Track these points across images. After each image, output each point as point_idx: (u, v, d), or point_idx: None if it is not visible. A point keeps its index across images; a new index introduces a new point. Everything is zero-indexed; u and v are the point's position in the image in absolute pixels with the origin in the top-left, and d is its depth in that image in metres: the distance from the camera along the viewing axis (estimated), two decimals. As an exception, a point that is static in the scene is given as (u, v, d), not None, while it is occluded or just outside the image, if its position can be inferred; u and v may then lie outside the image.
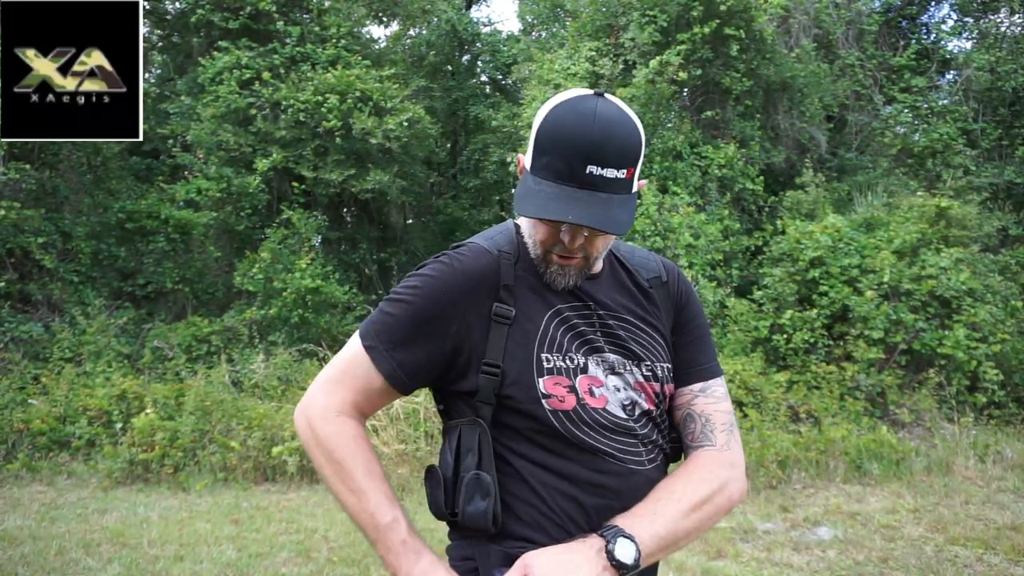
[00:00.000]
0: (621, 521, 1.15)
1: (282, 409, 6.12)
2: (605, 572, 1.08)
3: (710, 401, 1.30)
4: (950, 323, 6.86)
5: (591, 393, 1.20)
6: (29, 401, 6.42)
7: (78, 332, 7.68)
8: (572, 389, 1.18)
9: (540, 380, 1.17)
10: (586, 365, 1.21)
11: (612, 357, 1.24)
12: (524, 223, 1.26)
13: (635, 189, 1.18)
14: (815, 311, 7.19)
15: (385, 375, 1.21)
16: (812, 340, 7.06)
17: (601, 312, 1.26)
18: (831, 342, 7.12)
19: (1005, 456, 5.76)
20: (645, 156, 8.88)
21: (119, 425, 6.00)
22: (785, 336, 7.21)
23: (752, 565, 4.01)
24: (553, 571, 1.06)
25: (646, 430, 1.24)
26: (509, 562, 1.14)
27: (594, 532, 1.14)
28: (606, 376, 1.22)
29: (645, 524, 1.14)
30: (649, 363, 1.26)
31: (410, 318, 1.20)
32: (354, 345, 1.24)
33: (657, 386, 1.26)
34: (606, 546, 1.09)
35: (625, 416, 1.22)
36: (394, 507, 1.18)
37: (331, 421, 1.21)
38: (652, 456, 1.24)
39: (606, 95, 1.16)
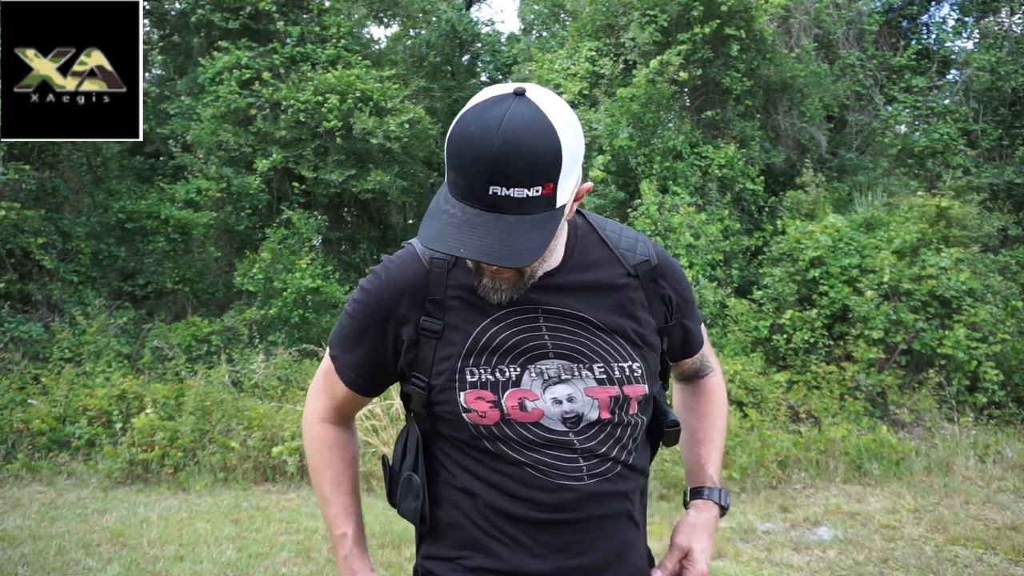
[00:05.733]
0: (708, 473, 1.38)
1: (282, 409, 6.12)
2: (717, 519, 1.36)
3: (705, 351, 1.45)
4: (950, 323, 6.86)
5: (521, 407, 1.15)
6: (29, 401, 6.41)
7: (78, 332, 7.68)
8: (496, 404, 1.14)
9: (462, 394, 1.15)
10: (519, 378, 1.15)
11: (556, 364, 1.17)
12: None
13: (561, 202, 1.04)
14: (815, 311, 7.19)
15: (347, 383, 1.28)
16: (812, 340, 7.06)
17: (548, 314, 1.18)
18: (831, 342, 7.12)
19: (1005, 456, 5.76)
20: (638, 146, 8.93)
21: (119, 425, 6.00)
22: (785, 336, 7.21)
23: (752, 565, 4.01)
24: (698, 535, 1.31)
25: (591, 443, 1.17)
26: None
27: (701, 496, 1.36)
28: (544, 389, 1.16)
29: (714, 468, 1.38)
30: (603, 364, 1.18)
31: (355, 331, 1.25)
32: (327, 355, 1.31)
33: (614, 389, 1.18)
34: (719, 504, 1.35)
35: (564, 429, 1.16)
36: (348, 522, 1.29)
37: (312, 427, 1.33)
38: (598, 471, 1.17)
39: (528, 93, 1.02)
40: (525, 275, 1.14)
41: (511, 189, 0.99)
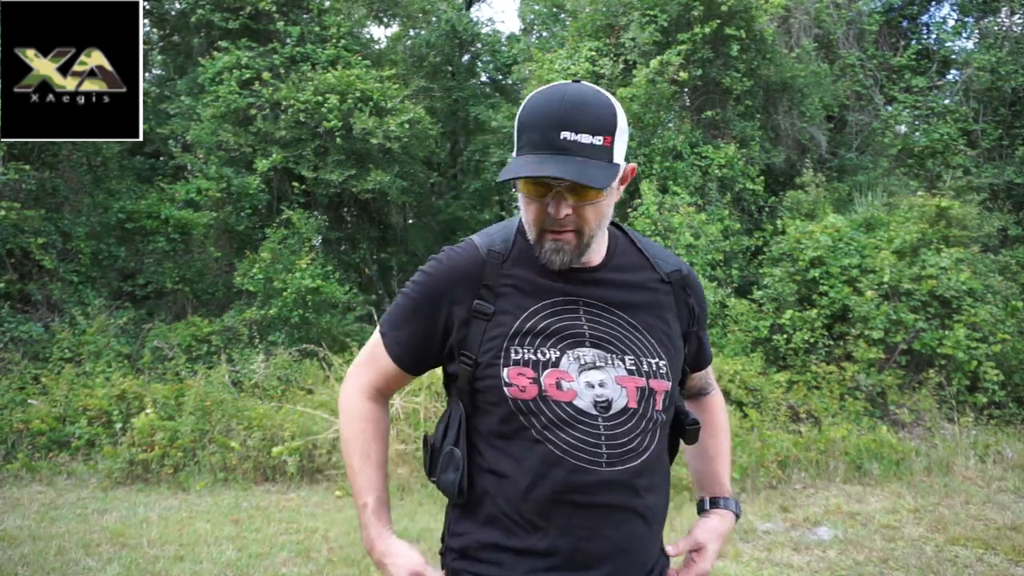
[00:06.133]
0: (723, 485, 1.52)
1: (282, 409, 6.11)
2: (732, 527, 1.51)
3: (708, 370, 1.58)
4: (950, 323, 6.86)
5: (558, 387, 1.26)
6: (29, 401, 6.41)
7: (78, 332, 7.68)
8: (535, 381, 1.26)
9: (505, 370, 1.27)
10: (558, 360, 1.27)
11: (592, 352, 1.29)
12: (521, 212, 1.33)
13: (616, 159, 1.22)
14: (815, 311, 7.19)
15: (394, 360, 1.39)
16: (812, 340, 7.06)
17: (588, 307, 1.32)
18: (831, 342, 7.11)
19: (1005, 456, 5.76)
20: (638, 146, 9.01)
21: (119, 425, 6.00)
22: (785, 336, 7.21)
23: (752, 565, 4.01)
24: (714, 537, 1.46)
25: (616, 431, 1.26)
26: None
27: (717, 507, 1.51)
28: (580, 373, 1.27)
29: (727, 481, 1.53)
30: (634, 357, 1.30)
31: (410, 308, 1.37)
32: (376, 333, 1.43)
33: (642, 381, 1.29)
34: (735, 513, 1.50)
35: (594, 413, 1.26)
36: (369, 493, 1.37)
37: (351, 400, 1.43)
38: (618, 458, 1.26)
39: (584, 83, 1.24)
40: (584, 238, 1.27)
41: (579, 135, 1.17)
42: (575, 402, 1.25)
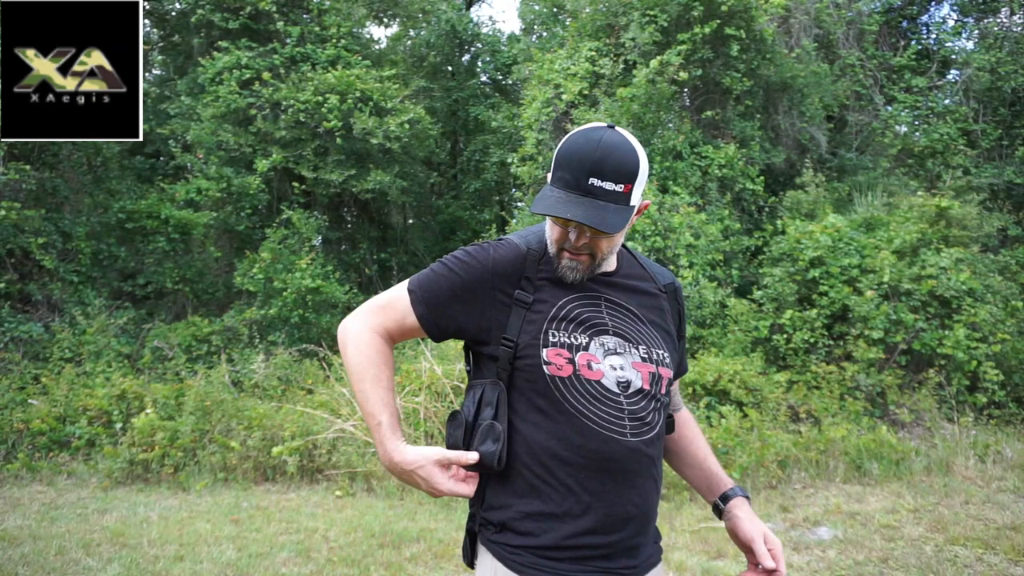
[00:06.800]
0: (723, 479, 1.66)
1: (282, 409, 6.12)
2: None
3: (677, 386, 1.73)
4: (950, 323, 6.86)
5: (588, 367, 1.44)
6: (29, 401, 6.42)
7: (78, 332, 7.68)
8: (571, 361, 1.44)
9: (544, 350, 1.44)
10: (588, 344, 1.46)
11: (613, 340, 1.48)
12: (547, 226, 1.51)
13: (633, 203, 1.42)
14: (815, 311, 7.19)
15: (418, 316, 1.51)
16: (812, 340, 7.06)
17: (608, 303, 1.52)
18: (831, 342, 7.12)
19: (1005, 456, 5.76)
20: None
21: (119, 425, 6.00)
22: (785, 336, 7.21)
23: (752, 565, 4.00)
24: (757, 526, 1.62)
25: (636, 406, 1.45)
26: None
27: (732, 497, 1.63)
28: (605, 357, 1.46)
29: (725, 474, 1.68)
30: (646, 347, 1.51)
31: (447, 281, 1.50)
32: (400, 288, 1.55)
33: (653, 367, 1.50)
34: (744, 496, 1.64)
35: (617, 391, 1.45)
36: (384, 412, 1.48)
37: (363, 333, 1.52)
38: (638, 430, 1.45)
39: (617, 128, 1.43)
40: (596, 260, 1.48)
41: (604, 182, 1.37)
42: (602, 381, 1.44)
